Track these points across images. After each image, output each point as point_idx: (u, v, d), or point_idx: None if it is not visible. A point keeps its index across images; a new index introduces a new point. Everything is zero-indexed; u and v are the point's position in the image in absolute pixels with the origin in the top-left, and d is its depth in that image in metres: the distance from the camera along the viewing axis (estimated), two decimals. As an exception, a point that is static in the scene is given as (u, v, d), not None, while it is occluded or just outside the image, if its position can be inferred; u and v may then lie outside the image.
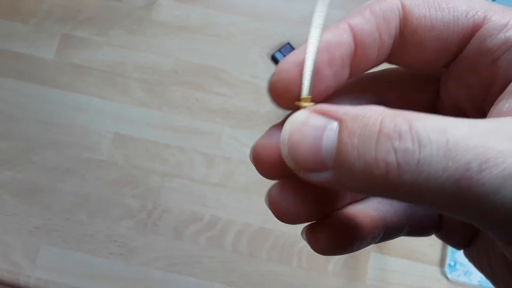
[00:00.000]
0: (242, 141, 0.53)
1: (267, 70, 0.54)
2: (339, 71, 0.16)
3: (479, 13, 0.16)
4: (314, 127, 0.14)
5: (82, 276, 0.49)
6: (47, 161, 0.51)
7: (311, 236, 0.17)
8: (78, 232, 0.50)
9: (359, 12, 0.17)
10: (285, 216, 0.16)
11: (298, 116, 0.14)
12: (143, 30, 0.55)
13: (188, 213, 0.51)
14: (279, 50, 0.54)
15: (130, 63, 0.54)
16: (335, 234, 0.17)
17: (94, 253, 0.49)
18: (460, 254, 0.51)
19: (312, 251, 0.50)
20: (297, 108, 0.15)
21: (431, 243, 0.51)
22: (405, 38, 0.16)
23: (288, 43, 0.54)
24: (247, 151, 0.52)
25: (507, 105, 0.14)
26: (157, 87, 0.54)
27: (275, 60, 0.54)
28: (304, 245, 0.50)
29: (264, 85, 0.54)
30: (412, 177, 0.12)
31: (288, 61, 0.16)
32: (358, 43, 0.16)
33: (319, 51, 0.16)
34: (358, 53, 0.16)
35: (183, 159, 0.52)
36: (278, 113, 0.53)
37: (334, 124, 0.13)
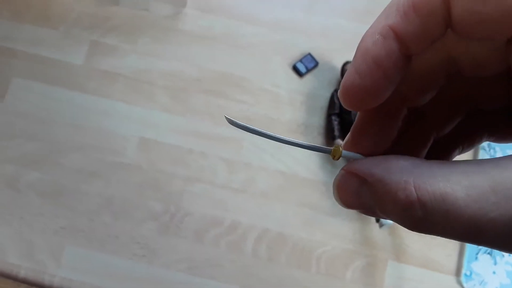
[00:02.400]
0: (262, 148, 0.54)
1: (288, 79, 0.56)
2: (395, 77, 0.17)
3: None
4: (352, 189, 0.17)
5: (106, 276, 0.50)
6: (74, 163, 0.53)
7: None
8: (102, 233, 0.51)
9: (403, 11, 0.16)
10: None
11: (340, 179, 0.18)
12: (169, 38, 0.57)
13: (210, 217, 0.52)
14: (300, 61, 0.56)
15: (156, 70, 0.56)
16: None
17: (118, 254, 0.50)
18: (476, 264, 0.52)
19: (331, 257, 0.51)
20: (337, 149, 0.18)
21: (448, 253, 0.52)
22: (452, 29, 0.16)
23: (309, 54, 0.56)
24: (268, 158, 0.54)
25: None
26: (181, 94, 0.55)
27: (296, 70, 0.56)
28: (322, 251, 0.51)
29: (284, 94, 0.56)
30: (427, 231, 0.15)
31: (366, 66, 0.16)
32: (408, 44, 0.16)
33: (370, 68, 0.16)
34: (412, 48, 0.16)
35: (205, 164, 0.53)
36: (298, 121, 0.55)
37: (365, 186, 0.16)
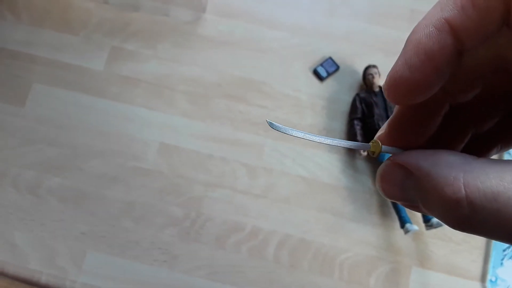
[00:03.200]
0: (284, 153, 0.54)
1: (308, 84, 0.56)
2: (446, 72, 0.16)
3: None
4: (396, 180, 0.17)
5: (127, 282, 0.49)
6: (94, 169, 0.53)
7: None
8: (123, 238, 0.51)
9: (461, 4, 0.15)
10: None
11: (385, 169, 0.17)
12: (189, 44, 0.57)
13: (230, 223, 0.52)
14: (321, 65, 0.55)
15: (176, 76, 0.56)
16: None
17: (139, 260, 0.50)
18: (501, 270, 0.51)
19: (354, 264, 0.51)
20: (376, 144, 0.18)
21: (473, 259, 0.51)
22: (509, 26, 0.15)
23: (330, 58, 0.56)
24: (289, 163, 0.53)
25: None
26: (201, 99, 0.55)
27: (317, 74, 0.55)
28: (345, 257, 0.51)
29: (305, 98, 0.55)
30: (472, 230, 0.15)
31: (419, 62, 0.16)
32: (463, 38, 0.16)
33: (421, 61, 0.16)
34: (466, 43, 0.16)
35: (225, 169, 0.53)
36: (319, 126, 0.54)
37: (410, 178, 0.16)
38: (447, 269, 0.51)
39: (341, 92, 0.55)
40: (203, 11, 0.57)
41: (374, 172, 0.53)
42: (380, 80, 0.52)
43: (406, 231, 0.49)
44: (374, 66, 0.53)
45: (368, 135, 0.52)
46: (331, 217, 0.52)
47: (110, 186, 0.52)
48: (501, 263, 0.51)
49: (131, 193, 0.52)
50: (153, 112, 0.55)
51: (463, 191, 0.14)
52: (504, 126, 0.19)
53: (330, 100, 0.55)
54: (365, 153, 0.51)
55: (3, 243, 0.50)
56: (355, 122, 0.53)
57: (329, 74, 0.55)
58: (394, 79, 0.16)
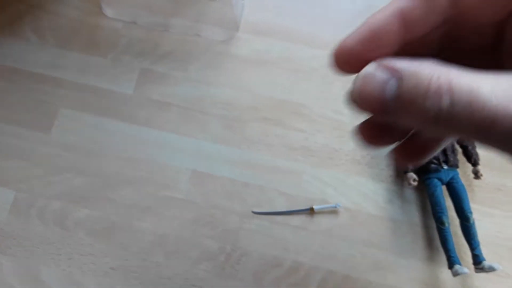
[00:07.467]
0: (324, 181, 0.50)
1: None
2: (385, 48, 0.20)
3: None
4: (380, 80, 0.18)
5: (160, 323, 0.46)
6: (125, 199, 0.50)
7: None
8: (155, 274, 0.48)
9: None
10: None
11: (368, 70, 0.18)
12: (222, 64, 0.54)
13: (269, 257, 0.48)
14: (363, 86, 0.52)
15: (209, 99, 0.53)
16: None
17: (172, 298, 0.47)
18: None
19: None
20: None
21: (539, 300, 0.46)
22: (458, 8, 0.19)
23: (373, 79, 0.52)
24: (330, 192, 0.50)
25: None
26: (236, 123, 0.52)
27: (359, 96, 0.52)
28: (395, 296, 0.47)
29: (348, 121, 0.52)
30: (445, 124, 0.16)
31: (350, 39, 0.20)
32: (407, 24, 0.20)
33: (366, 37, 0.20)
34: (409, 31, 0.20)
35: (262, 199, 0.50)
36: (362, 151, 0.51)
37: (395, 79, 0.17)
38: (509, 311, 0.46)
39: (386, 114, 0.51)
40: (236, 29, 0.54)
41: (423, 202, 0.49)
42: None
43: (455, 274, 0.45)
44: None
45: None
46: (378, 251, 0.48)
47: (141, 217, 0.49)
48: None
49: (163, 224, 0.49)
50: (185, 137, 0.52)
51: (447, 84, 0.16)
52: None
53: (374, 124, 0.51)
54: (415, 183, 0.47)
55: (29, 279, 0.47)
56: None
57: (372, 96, 0.51)
58: (341, 48, 0.20)
